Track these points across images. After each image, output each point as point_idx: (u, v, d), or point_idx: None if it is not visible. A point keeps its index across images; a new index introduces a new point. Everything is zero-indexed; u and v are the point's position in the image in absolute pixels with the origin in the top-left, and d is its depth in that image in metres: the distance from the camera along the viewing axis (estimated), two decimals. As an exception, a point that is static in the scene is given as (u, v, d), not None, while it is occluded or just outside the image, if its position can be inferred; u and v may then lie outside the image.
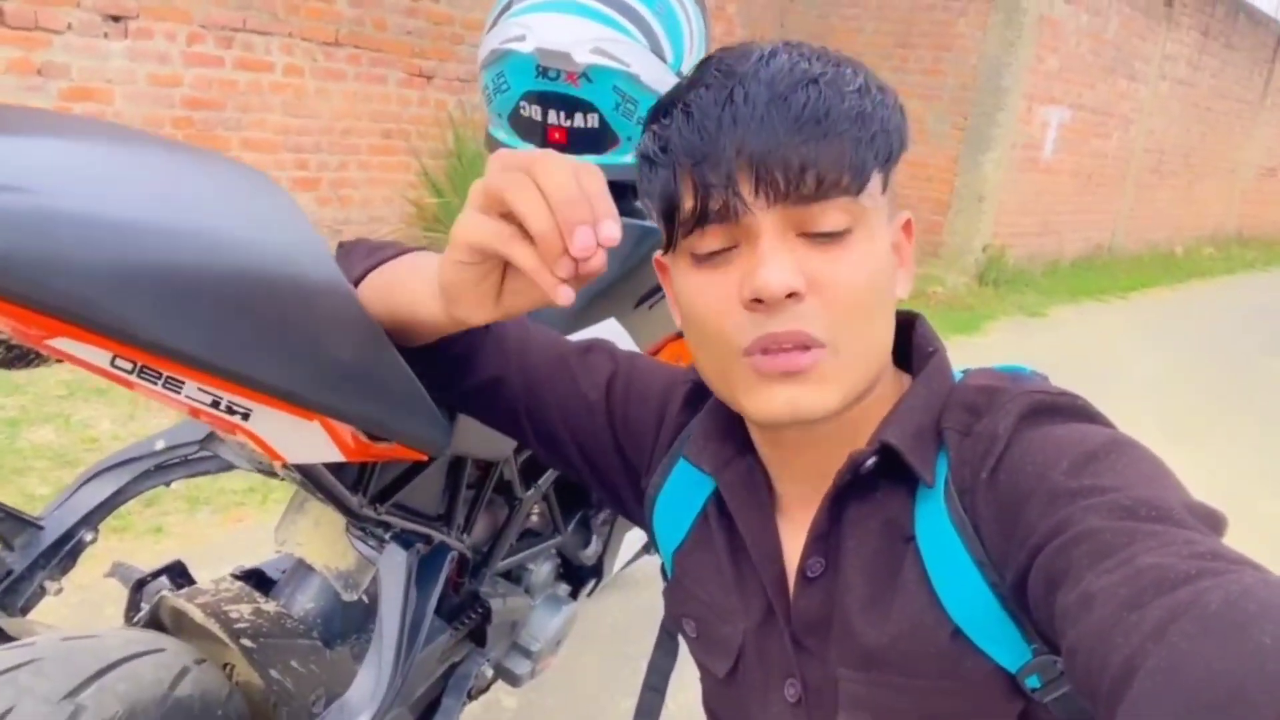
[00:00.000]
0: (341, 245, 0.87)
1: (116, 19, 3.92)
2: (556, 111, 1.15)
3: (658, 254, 0.73)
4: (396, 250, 0.83)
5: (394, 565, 0.94)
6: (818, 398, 0.61)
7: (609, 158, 1.19)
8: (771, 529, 0.72)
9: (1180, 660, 0.41)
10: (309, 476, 0.81)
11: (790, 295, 0.59)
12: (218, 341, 0.58)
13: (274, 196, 0.67)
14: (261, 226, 0.64)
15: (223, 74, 4.29)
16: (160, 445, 1.02)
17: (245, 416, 0.66)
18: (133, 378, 0.60)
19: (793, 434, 0.68)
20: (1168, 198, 10.13)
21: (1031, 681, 0.62)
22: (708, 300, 0.62)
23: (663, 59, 1.15)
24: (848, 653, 0.67)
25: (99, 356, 0.58)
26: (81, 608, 1.91)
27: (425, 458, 0.87)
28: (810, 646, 0.70)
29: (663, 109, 0.64)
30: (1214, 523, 0.52)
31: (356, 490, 0.89)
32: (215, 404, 0.63)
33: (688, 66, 1.19)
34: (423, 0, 4.95)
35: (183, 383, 0.61)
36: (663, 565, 0.85)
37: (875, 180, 0.62)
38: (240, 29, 4.29)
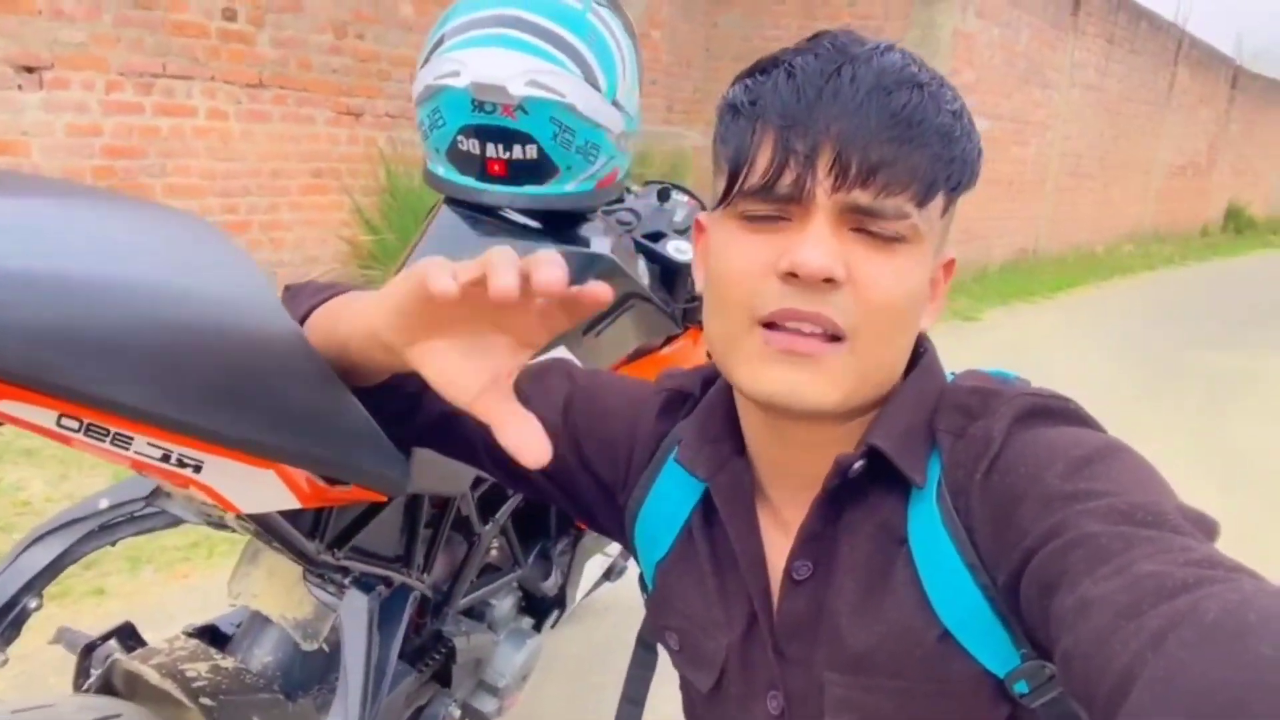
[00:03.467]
0: (288, 289, 0.85)
1: (30, 70, 3.83)
2: (494, 144, 1.15)
3: (700, 215, 0.73)
4: (342, 289, 0.81)
5: (355, 610, 0.93)
6: (819, 389, 0.61)
7: (550, 188, 1.19)
8: (757, 534, 0.72)
9: (1179, 669, 0.41)
10: (264, 526, 0.80)
11: (827, 280, 0.58)
12: (166, 394, 0.57)
13: (216, 242, 0.66)
14: (205, 273, 0.63)
15: (144, 121, 4.21)
16: (104, 504, 0.99)
17: (197, 469, 0.64)
18: (79, 436, 0.58)
19: (796, 432, 0.67)
20: (1087, 200, 10.47)
21: (1019, 687, 0.63)
22: (744, 262, 0.61)
23: (596, 88, 1.16)
24: (835, 656, 0.67)
25: (44, 417, 0.56)
26: (22, 678, 1.83)
27: (384, 499, 0.86)
28: (793, 655, 0.69)
29: (761, 67, 0.63)
30: (1207, 528, 0.52)
31: (313, 536, 0.88)
32: (165, 458, 0.62)
33: (621, 95, 1.20)
34: (347, 38, 4.92)
35: (131, 439, 0.59)
36: (642, 578, 0.84)
37: (938, 202, 0.62)
38: (160, 75, 4.22)
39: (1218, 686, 0.39)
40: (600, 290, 0.56)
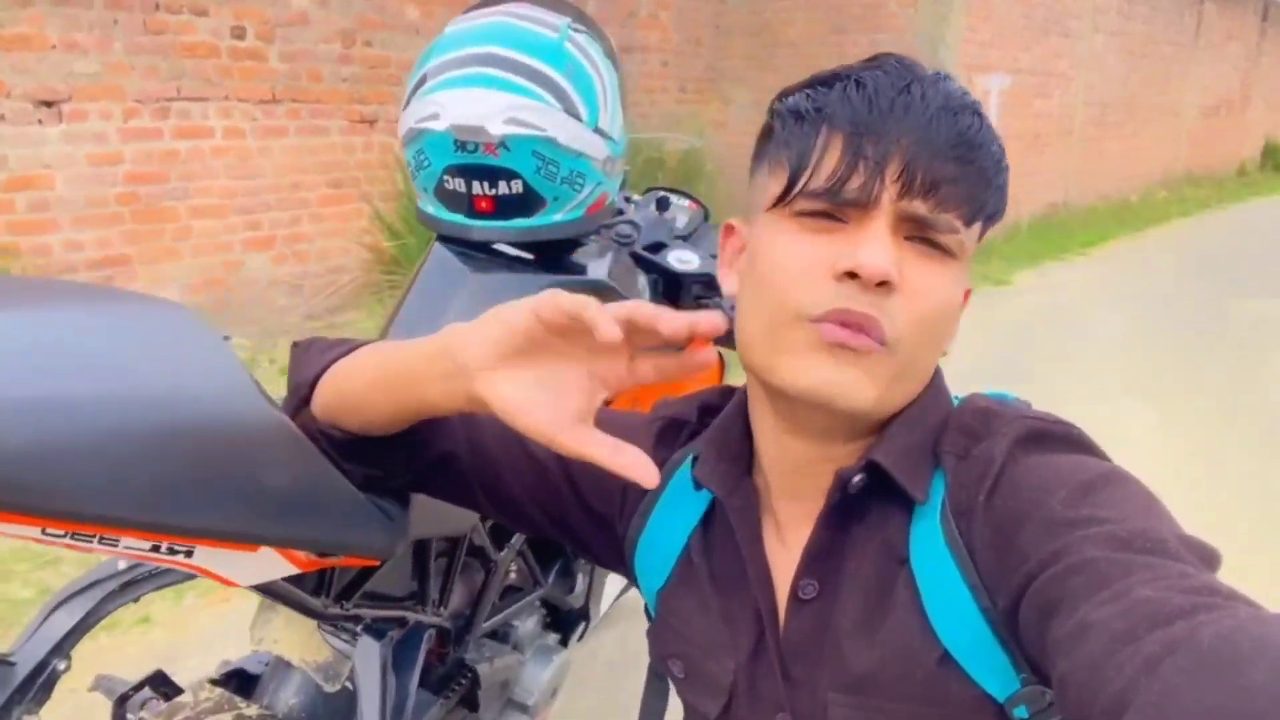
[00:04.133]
0: (295, 345, 0.87)
1: (49, 104, 3.90)
2: (480, 182, 1.16)
3: (731, 219, 0.74)
4: (356, 344, 0.82)
5: (368, 657, 0.95)
6: (860, 385, 0.62)
7: (538, 219, 1.20)
8: (762, 553, 0.73)
9: (1172, 695, 0.41)
10: (266, 592, 0.82)
11: (882, 284, 0.61)
12: (145, 500, 0.59)
13: (190, 331, 0.68)
14: (180, 368, 0.65)
15: (163, 145, 4.27)
16: (123, 564, 1.02)
17: (189, 554, 0.66)
18: (64, 541, 0.60)
19: (808, 447, 0.68)
20: (1116, 148, 10.24)
21: (1019, 712, 0.63)
22: (798, 260, 0.63)
23: (577, 118, 1.16)
24: (838, 676, 0.67)
25: (27, 530, 0.59)
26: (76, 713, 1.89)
27: (377, 563, 0.88)
28: (799, 676, 0.70)
29: (820, 80, 0.66)
30: (1208, 557, 0.53)
31: (319, 594, 0.90)
32: (155, 549, 0.64)
33: (604, 121, 1.20)
34: (355, 46, 4.95)
35: (117, 540, 0.61)
36: (646, 608, 0.85)
37: (977, 226, 0.65)
38: (175, 98, 4.28)
39: (1209, 712, 0.39)
40: (705, 358, 0.60)
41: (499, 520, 0.89)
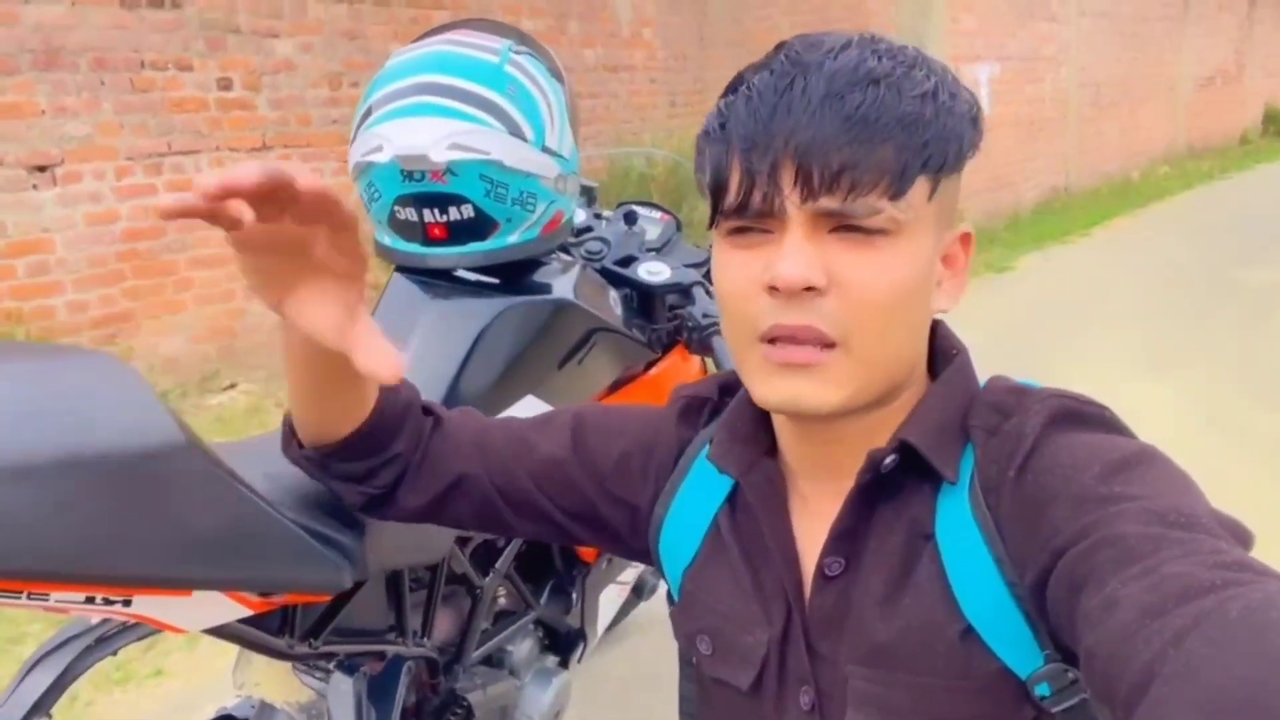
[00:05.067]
0: None
1: (42, 169, 3.95)
2: (430, 209, 1.16)
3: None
4: None
5: (341, 695, 0.95)
6: (820, 394, 0.63)
7: (493, 242, 1.20)
8: (789, 529, 0.73)
9: (1199, 666, 0.41)
10: (223, 636, 0.82)
11: (808, 289, 0.61)
12: (72, 555, 0.59)
13: (115, 381, 0.68)
14: (103, 417, 0.65)
15: (158, 200, 4.30)
16: (96, 619, 1.02)
17: (127, 604, 0.66)
18: (-7, 599, 0.60)
19: (816, 428, 0.69)
20: (1113, 127, 10.19)
21: (1041, 689, 0.63)
22: (736, 280, 0.65)
23: (523, 139, 1.16)
24: (858, 649, 0.68)
25: (-49, 590, 0.59)
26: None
27: (327, 599, 0.87)
28: (824, 651, 0.70)
29: (731, 87, 0.66)
30: (1241, 535, 0.53)
31: (282, 633, 0.90)
32: (89, 600, 0.64)
33: (551, 140, 1.20)
34: (342, 88, 4.99)
35: (47, 594, 0.61)
36: (668, 591, 0.85)
37: (919, 188, 0.62)
38: (167, 153, 4.33)
39: (1237, 682, 0.40)
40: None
41: (525, 533, 0.90)
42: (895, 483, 0.67)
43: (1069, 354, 4.27)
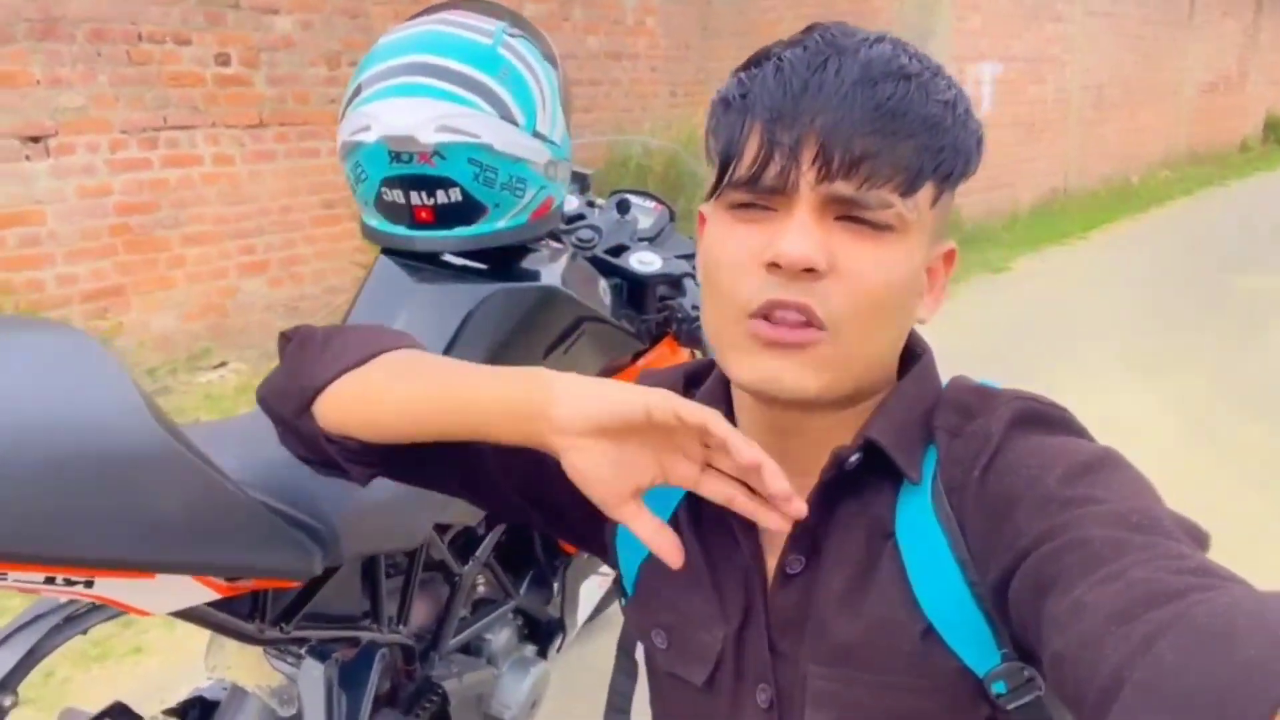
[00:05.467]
0: (284, 336, 0.84)
1: (35, 139, 3.92)
2: (418, 192, 1.15)
3: (704, 208, 0.73)
4: (361, 349, 0.79)
5: (311, 680, 0.93)
6: (800, 378, 0.62)
7: (480, 227, 1.19)
8: (752, 526, 0.72)
9: (1168, 672, 0.41)
10: (192, 619, 0.81)
11: (808, 270, 0.60)
12: (27, 534, 0.57)
13: (85, 358, 0.66)
14: (68, 392, 0.63)
15: (152, 175, 4.28)
16: (64, 598, 1.01)
17: (89, 585, 0.65)
18: (-54, 577, 0.59)
19: (787, 420, 0.69)
20: (1115, 130, 10.17)
21: (997, 687, 0.63)
22: (733, 252, 0.63)
23: (514, 123, 1.15)
24: (818, 649, 0.67)
25: (-99, 567, 0.57)
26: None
27: (296, 584, 0.86)
28: (784, 649, 0.70)
29: (754, 60, 0.65)
30: (1198, 537, 0.53)
31: (252, 618, 0.88)
32: (50, 581, 0.63)
33: (543, 125, 1.19)
34: (340, 67, 4.95)
35: (4, 574, 0.60)
36: (621, 584, 0.84)
37: (927, 192, 0.62)
38: (162, 127, 4.29)
39: (1206, 689, 0.40)
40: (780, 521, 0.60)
41: (474, 502, 0.87)
42: (857, 481, 0.67)
43: (1063, 358, 4.26)
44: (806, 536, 0.68)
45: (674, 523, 0.77)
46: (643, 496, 0.78)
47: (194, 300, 4.47)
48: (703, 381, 0.79)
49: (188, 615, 0.81)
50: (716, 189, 0.65)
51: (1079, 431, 0.64)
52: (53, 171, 3.97)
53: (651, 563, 0.78)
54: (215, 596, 0.76)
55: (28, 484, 0.59)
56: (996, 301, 5.40)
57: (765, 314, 0.62)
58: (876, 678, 0.65)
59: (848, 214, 0.61)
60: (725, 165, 0.63)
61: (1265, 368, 4.14)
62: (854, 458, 0.65)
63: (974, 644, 0.63)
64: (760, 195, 0.62)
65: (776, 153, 0.60)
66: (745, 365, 0.64)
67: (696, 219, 0.75)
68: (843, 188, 0.60)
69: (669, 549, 0.63)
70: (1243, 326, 4.81)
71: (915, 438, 0.67)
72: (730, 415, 0.74)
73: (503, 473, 0.83)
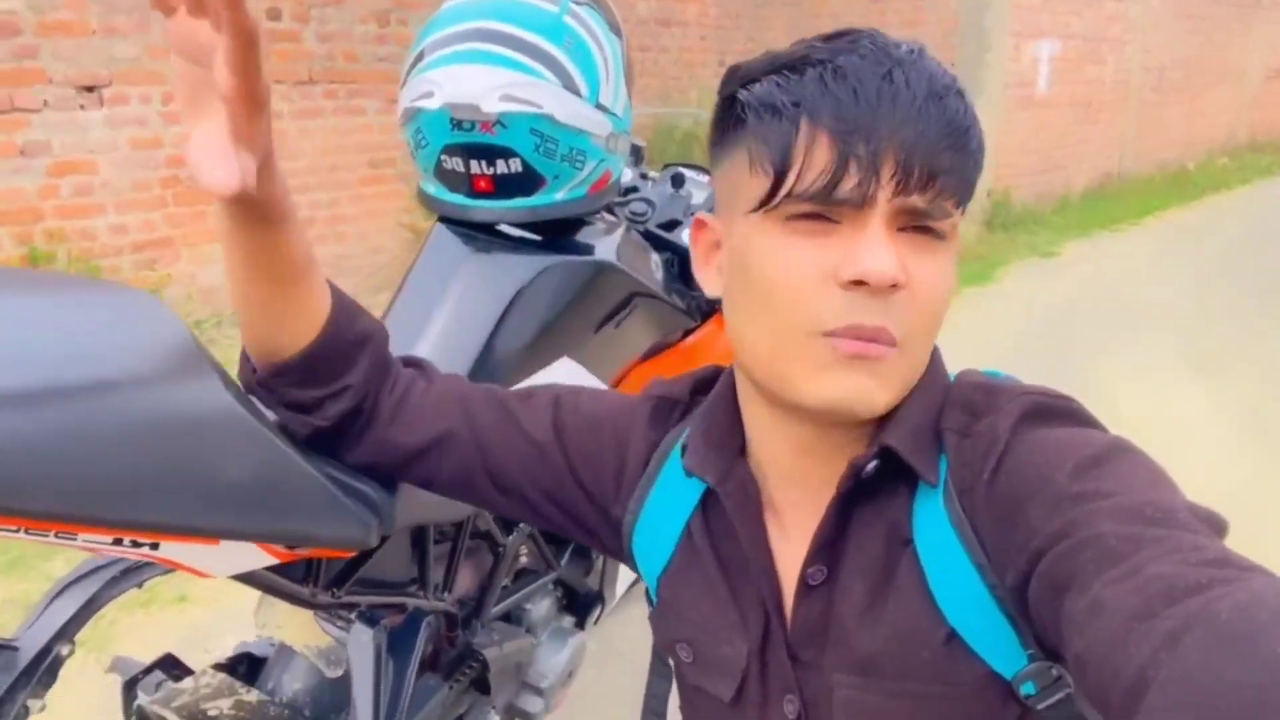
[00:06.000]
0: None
1: (90, 89, 3.96)
2: (478, 161, 1.14)
3: (701, 214, 0.72)
4: None
5: (361, 645, 0.94)
6: (874, 393, 0.62)
7: (539, 198, 1.18)
8: (765, 539, 0.72)
9: (1194, 671, 0.41)
10: (248, 582, 0.81)
11: (892, 286, 0.60)
12: (98, 496, 0.58)
13: (153, 321, 0.66)
14: (139, 357, 0.64)
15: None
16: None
17: (154, 547, 0.66)
18: (19, 535, 0.60)
19: (812, 437, 0.68)
20: (1174, 114, 9.90)
21: (1027, 688, 0.62)
22: (796, 270, 0.61)
23: (577, 94, 1.13)
24: (843, 659, 0.67)
25: (-22, 525, 0.58)
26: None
27: (351, 554, 0.87)
28: (807, 659, 0.70)
29: (786, 64, 0.62)
30: (1217, 526, 0.52)
31: (306, 582, 0.89)
32: (118, 542, 0.63)
33: (605, 97, 1.17)
34: (390, 26, 4.95)
35: (74, 535, 0.61)
36: (647, 592, 0.84)
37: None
38: (213, 81, 4.31)
39: (1233, 688, 0.39)
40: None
41: (499, 508, 0.87)
42: (874, 488, 0.66)
43: (1110, 350, 4.17)
44: (828, 547, 0.67)
45: (686, 534, 0.76)
46: (648, 511, 0.79)
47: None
48: (709, 390, 0.78)
49: (245, 578, 0.82)
50: (770, 200, 0.61)
51: (1088, 421, 0.63)
52: (107, 121, 4.01)
53: (669, 575, 0.78)
54: (273, 561, 0.77)
55: (99, 446, 0.59)
56: (1044, 287, 5.31)
57: (847, 335, 0.61)
58: (903, 685, 0.65)
59: (911, 225, 0.61)
60: (781, 175, 0.60)
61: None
62: (870, 466, 0.65)
63: (999, 647, 0.62)
64: (829, 208, 0.60)
65: (853, 164, 0.59)
66: (820, 385, 0.62)
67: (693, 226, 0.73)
68: (917, 201, 0.60)
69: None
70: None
71: (928, 439, 0.66)
72: (738, 428, 0.73)
73: (525, 478, 0.82)
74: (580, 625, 1.56)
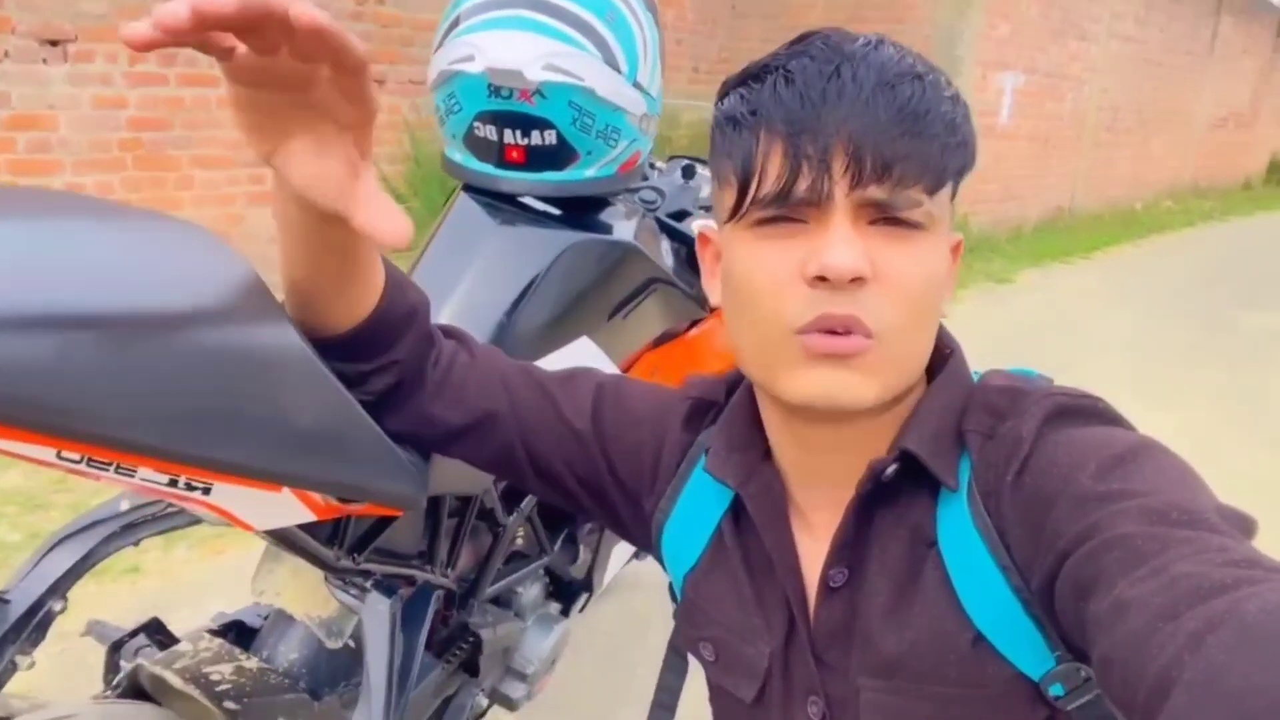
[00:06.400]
0: None
1: (55, 43, 3.82)
2: (512, 130, 1.12)
3: (701, 226, 0.73)
4: None
5: (378, 614, 0.92)
6: (857, 388, 0.61)
7: (570, 173, 1.16)
8: (790, 540, 0.71)
9: (1219, 672, 0.40)
10: (280, 538, 0.78)
11: (855, 280, 0.59)
12: (165, 427, 0.55)
13: (222, 258, 0.64)
14: (204, 292, 0.61)
15: (168, 92, 4.19)
16: (125, 505, 0.98)
17: (206, 491, 0.63)
18: (80, 467, 0.56)
19: (822, 435, 0.67)
20: (1124, 155, 10.21)
21: (1055, 689, 0.62)
22: (768, 272, 0.62)
23: (617, 70, 1.12)
24: (868, 661, 0.67)
25: (42, 453, 0.55)
26: (64, 658, 1.86)
27: (400, 513, 0.84)
28: (831, 660, 0.69)
29: (752, 74, 0.63)
30: (1245, 526, 0.52)
31: (332, 544, 0.86)
32: (172, 484, 0.60)
33: (643, 76, 1.16)
34: (368, 4, 4.87)
35: (134, 470, 0.57)
36: (671, 589, 0.84)
37: (948, 187, 0.63)
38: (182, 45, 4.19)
39: (1259, 690, 0.39)
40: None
41: (533, 488, 0.86)
42: (895, 490, 0.66)
43: (1062, 376, 4.25)
44: (848, 549, 0.67)
45: (717, 535, 0.76)
46: (680, 509, 0.78)
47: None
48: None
49: (277, 534, 0.79)
50: (739, 209, 0.62)
51: (1114, 420, 0.63)
52: (69, 78, 3.88)
53: (696, 574, 0.78)
54: (311, 518, 0.74)
55: (172, 378, 0.57)
56: (1000, 311, 5.42)
57: (816, 329, 0.60)
58: (930, 689, 0.64)
59: (881, 217, 0.60)
60: (745, 184, 0.61)
61: (1274, 402, 4.18)
62: (890, 469, 0.64)
63: (1026, 649, 0.62)
64: (790, 209, 0.60)
65: (805, 165, 0.59)
66: (801, 381, 0.62)
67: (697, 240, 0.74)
68: (876, 192, 0.59)
69: (388, 223, 0.63)
70: (1247, 361, 4.85)
71: (950, 443, 0.65)
72: (759, 435, 0.73)
73: (564, 464, 0.82)
74: (565, 612, 1.54)
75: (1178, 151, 11.59)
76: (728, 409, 0.76)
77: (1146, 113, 10.40)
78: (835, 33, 0.63)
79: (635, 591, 2.23)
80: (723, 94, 0.66)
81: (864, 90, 0.59)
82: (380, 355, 0.75)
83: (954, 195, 0.65)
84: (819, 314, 0.59)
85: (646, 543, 0.84)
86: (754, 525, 0.72)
